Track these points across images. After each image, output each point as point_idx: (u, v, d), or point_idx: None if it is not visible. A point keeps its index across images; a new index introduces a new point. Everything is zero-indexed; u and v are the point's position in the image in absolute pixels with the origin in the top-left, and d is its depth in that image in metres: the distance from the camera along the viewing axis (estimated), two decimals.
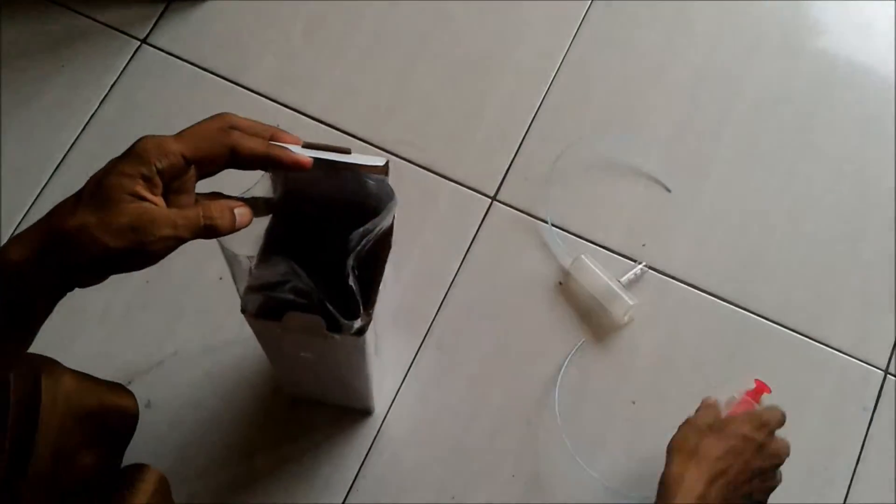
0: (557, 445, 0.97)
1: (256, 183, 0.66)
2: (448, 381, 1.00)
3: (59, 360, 0.84)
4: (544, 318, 1.03)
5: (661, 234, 1.07)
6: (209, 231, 0.59)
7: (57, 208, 0.56)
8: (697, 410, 0.87)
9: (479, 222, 1.07)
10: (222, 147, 0.59)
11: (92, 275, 0.56)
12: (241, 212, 0.60)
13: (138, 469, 0.84)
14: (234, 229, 0.60)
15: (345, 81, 1.14)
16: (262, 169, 0.62)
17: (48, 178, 1.08)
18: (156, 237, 0.55)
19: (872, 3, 1.21)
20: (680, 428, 0.86)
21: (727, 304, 1.04)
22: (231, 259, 0.65)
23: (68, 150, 1.09)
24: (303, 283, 0.64)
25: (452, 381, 1.00)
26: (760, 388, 0.90)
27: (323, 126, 1.11)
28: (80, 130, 1.10)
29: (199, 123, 0.60)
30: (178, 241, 0.57)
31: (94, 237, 0.54)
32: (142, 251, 0.55)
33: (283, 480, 0.94)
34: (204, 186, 0.62)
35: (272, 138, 0.63)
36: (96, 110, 1.11)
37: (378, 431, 0.97)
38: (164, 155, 0.57)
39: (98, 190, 0.55)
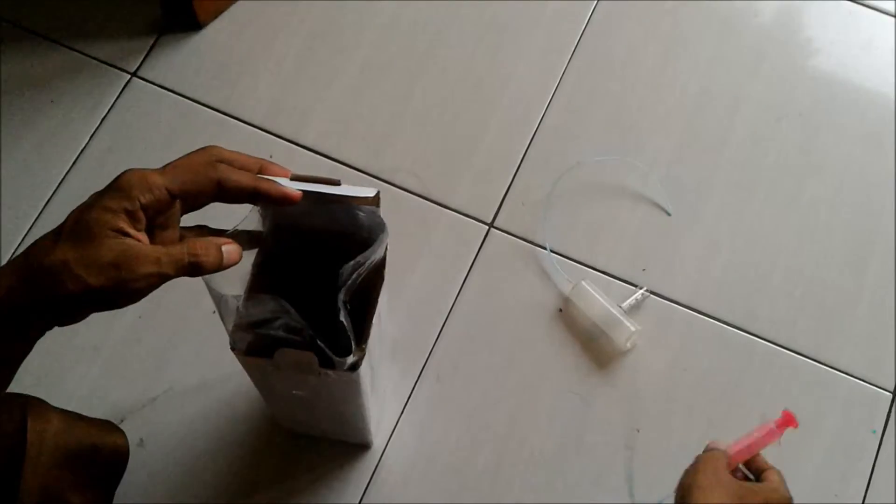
0: (561, 474, 0.95)
1: (245, 218, 0.65)
2: (447, 412, 0.98)
3: (48, 397, 0.83)
4: (545, 346, 1.01)
5: (662, 258, 1.05)
6: (194, 269, 0.57)
7: (35, 245, 0.54)
8: (705, 451, 0.79)
9: (477, 250, 1.06)
10: (208, 181, 0.57)
11: (71, 313, 0.54)
12: (230, 249, 0.58)
13: None
14: (221, 267, 0.58)
15: (338, 111, 1.13)
16: (249, 202, 0.60)
17: (38, 212, 1.06)
18: (138, 275, 0.53)
19: (871, 20, 1.20)
20: (696, 472, 0.75)
21: (732, 329, 1.02)
22: (217, 298, 0.63)
23: (59, 185, 1.08)
24: (293, 320, 0.62)
25: (452, 413, 0.98)
26: (788, 420, 0.85)
27: (317, 156, 1.10)
28: (70, 165, 1.09)
29: (184, 157, 0.59)
30: (161, 279, 0.55)
31: (73, 274, 0.52)
32: (123, 289, 0.53)
33: None
34: (189, 220, 0.61)
35: (261, 170, 0.61)
36: (87, 144, 1.10)
37: (377, 466, 0.95)
38: (148, 189, 0.55)
39: (78, 225, 0.53)
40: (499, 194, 1.09)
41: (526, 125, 1.12)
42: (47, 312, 0.54)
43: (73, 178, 1.08)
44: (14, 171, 1.09)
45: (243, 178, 0.59)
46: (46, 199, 1.07)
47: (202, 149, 0.60)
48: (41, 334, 0.55)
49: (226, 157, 0.60)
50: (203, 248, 0.57)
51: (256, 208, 0.65)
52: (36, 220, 1.06)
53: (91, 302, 0.54)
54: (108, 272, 0.52)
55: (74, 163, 1.09)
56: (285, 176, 0.62)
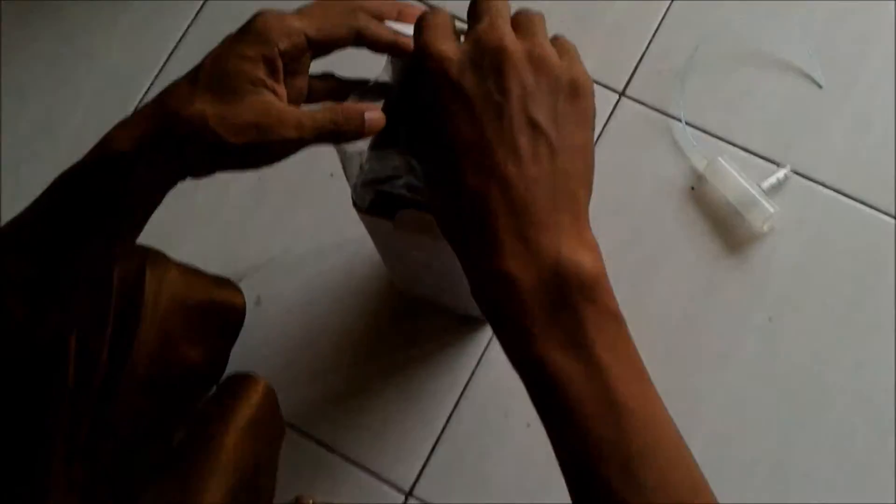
0: (680, 357, 0.91)
1: (382, 71, 0.61)
2: None
3: (167, 253, 0.82)
4: (673, 225, 0.95)
5: (809, 135, 0.97)
6: (336, 137, 0.53)
7: (170, 92, 0.51)
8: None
9: (605, 120, 0.99)
10: (348, 30, 0.54)
11: (205, 168, 0.52)
12: (372, 117, 0.53)
13: (244, 379, 0.82)
14: (362, 136, 0.54)
15: None
16: (384, 53, 0.57)
17: (168, 55, 1.06)
18: (278, 138, 0.50)
19: None
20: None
21: (881, 215, 0.94)
22: (342, 154, 0.60)
23: (188, 27, 1.07)
24: (417, 179, 0.59)
25: None
26: None
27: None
28: (196, 11, 1.07)
29: (320, 1, 0.55)
30: (301, 145, 0.52)
31: (213, 130, 0.49)
32: (261, 150, 0.51)
33: (392, 388, 0.92)
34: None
35: (399, 14, 0.57)
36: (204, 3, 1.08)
37: (490, 340, 0.92)
38: (287, 35, 0.51)
39: (216, 74, 0.50)
40: (632, 60, 1.01)
41: None
42: (182, 165, 0.51)
43: (203, 18, 1.07)
44: (143, 13, 1.08)
45: (383, 33, 0.55)
46: (176, 41, 1.06)
47: None
48: (173, 185, 0.53)
49: (364, 3, 0.55)
50: (346, 116, 0.53)
51: (388, 58, 0.61)
52: (166, 61, 1.05)
53: (227, 161, 0.51)
54: (248, 132, 0.50)
55: (200, 10, 1.07)
56: None
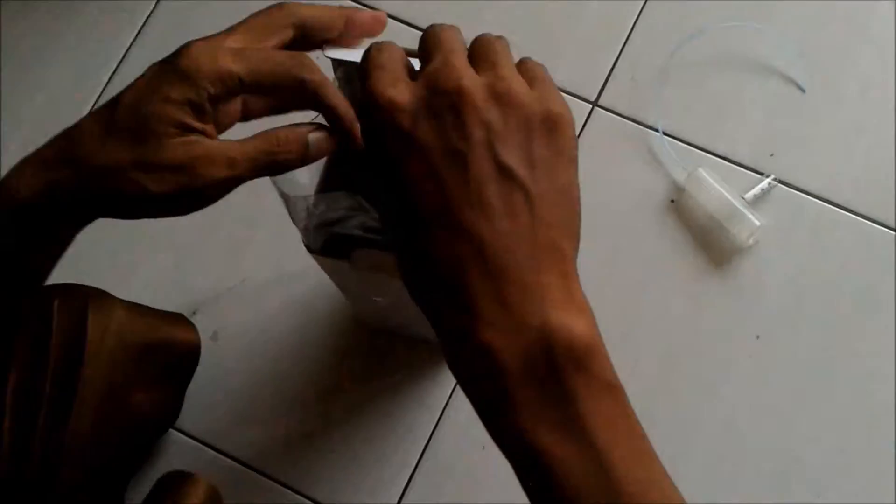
0: (669, 382, 0.86)
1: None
2: None
3: (117, 289, 0.77)
4: (654, 242, 0.91)
5: (793, 143, 0.93)
6: (274, 167, 0.47)
7: (82, 132, 0.45)
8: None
9: (579, 132, 0.95)
10: (289, 80, 0.46)
11: (124, 217, 0.47)
12: (317, 138, 0.47)
13: (183, 479, 0.76)
14: (307, 161, 0.48)
15: None
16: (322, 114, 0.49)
17: (107, 79, 1.00)
18: (208, 180, 0.45)
19: None
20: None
21: (871, 223, 0.90)
22: (285, 199, 0.55)
23: (126, 51, 1.01)
24: (371, 219, 0.54)
25: None
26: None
27: (397, 23, 0.99)
28: (138, 29, 1.02)
29: (258, 19, 0.48)
30: (236, 182, 0.46)
31: (130, 179, 0.44)
32: (190, 195, 0.45)
33: (361, 424, 0.87)
34: None
35: (347, 22, 0.50)
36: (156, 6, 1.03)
37: None
38: (219, 77, 0.45)
39: (135, 118, 0.44)
40: (604, 68, 0.97)
41: None
42: (96, 212, 0.46)
43: (143, 41, 1.01)
44: (81, 36, 1.03)
45: (328, 94, 0.46)
46: (115, 66, 1.01)
47: (277, 6, 0.49)
48: (84, 226, 0.48)
49: (304, 16, 0.48)
50: (284, 142, 0.46)
51: (336, 77, 0.55)
52: (105, 85, 1.00)
53: (151, 209, 0.46)
54: (173, 179, 0.44)
55: (143, 26, 1.02)
56: (379, 23, 0.51)
